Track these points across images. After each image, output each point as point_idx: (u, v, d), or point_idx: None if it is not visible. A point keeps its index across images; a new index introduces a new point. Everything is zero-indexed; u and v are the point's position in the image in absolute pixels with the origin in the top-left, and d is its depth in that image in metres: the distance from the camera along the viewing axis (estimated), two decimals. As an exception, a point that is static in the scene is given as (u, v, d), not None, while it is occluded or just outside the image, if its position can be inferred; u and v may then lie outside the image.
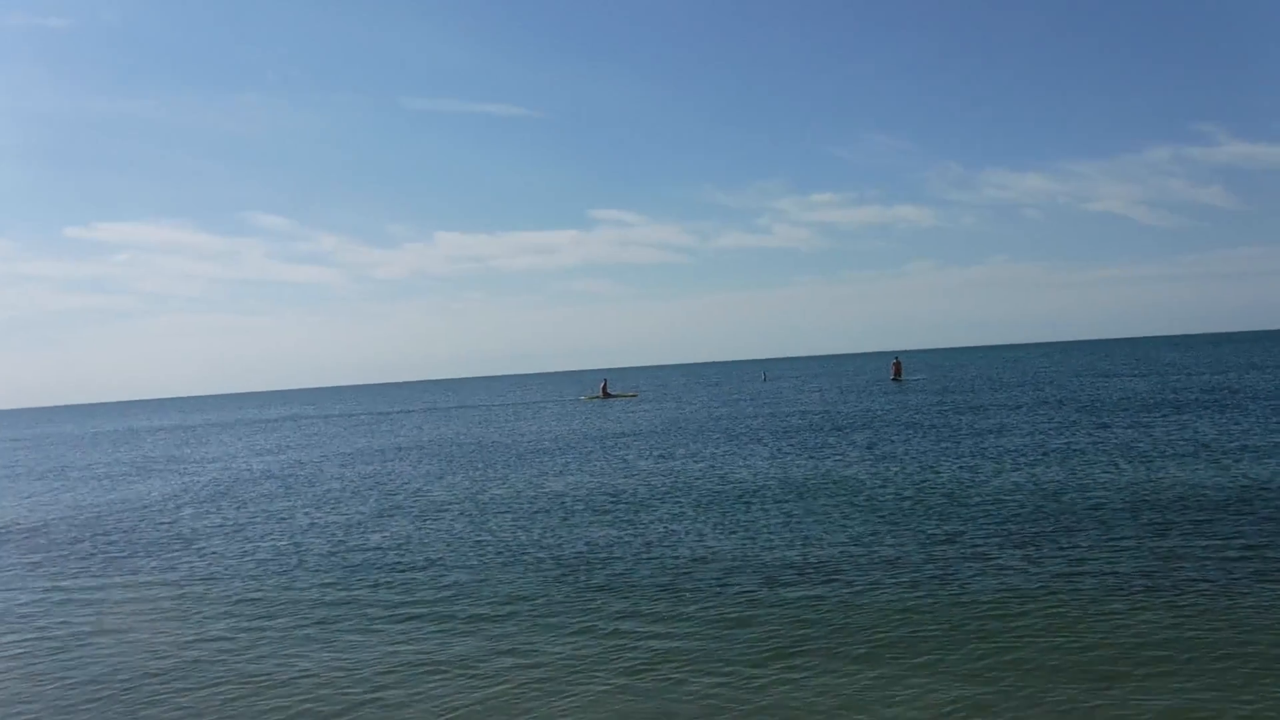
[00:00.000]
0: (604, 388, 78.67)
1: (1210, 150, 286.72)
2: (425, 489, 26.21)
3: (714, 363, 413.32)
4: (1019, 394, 51.42)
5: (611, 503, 21.35)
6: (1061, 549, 14.12)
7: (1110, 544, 14.23)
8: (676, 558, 15.22)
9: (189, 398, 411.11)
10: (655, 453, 31.56)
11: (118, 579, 16.51)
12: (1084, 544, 14.34)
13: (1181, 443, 25.19)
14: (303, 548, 18.33)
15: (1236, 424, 28.80)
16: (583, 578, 14.26)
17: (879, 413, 43.43)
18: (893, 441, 30.08)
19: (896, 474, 22.86)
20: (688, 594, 12.92)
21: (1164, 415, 33.19)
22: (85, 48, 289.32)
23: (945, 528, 16.18)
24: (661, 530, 17.63)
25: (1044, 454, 24.76)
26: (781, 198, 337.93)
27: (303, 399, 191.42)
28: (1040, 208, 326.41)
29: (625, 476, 25.80)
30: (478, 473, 29.35)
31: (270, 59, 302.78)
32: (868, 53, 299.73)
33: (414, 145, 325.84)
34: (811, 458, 27.24)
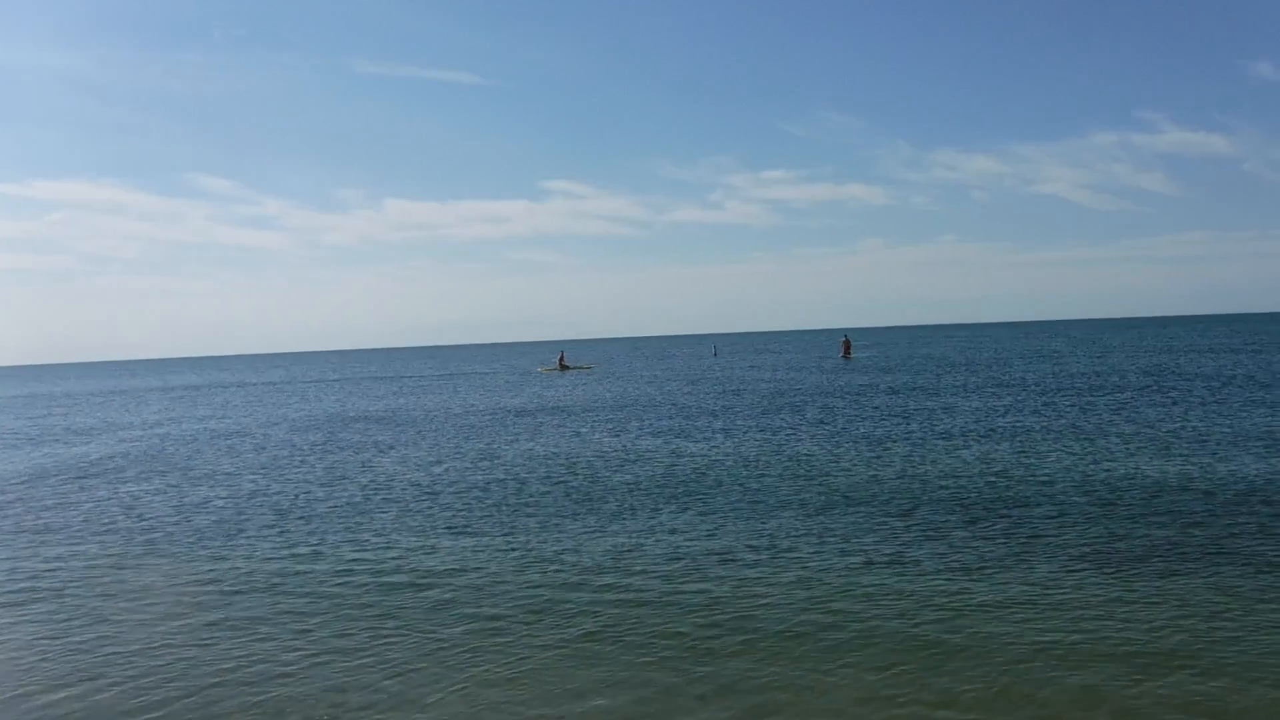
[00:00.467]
0: (561, 360, 78.34)
1: (1153, 137, 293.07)
2: (375, 459, 25.88)
3: (663, 336, 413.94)
4: (967, 374, 52.05)
5: (567, 474, 21.22)
6: (1013, 525, 14.28)
7: (1058, 520, 14.42)
8: (631, 531, 15.15)
9: (128, 361, 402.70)
10: (613, 426, 31.46)
11: (55, 544, 16.05)
12: (1034, 519, 14.52)
13: (1126, 424, 25.63)
14: (246, 514, 17.98)
15: (1178, 405, 29.36)
16: (534, 548, 14.13)
17: (831, 390, 43.71)
18: (844, 419, 30.29)
19: (848, 451, 23.00)
20: (638, 565, 12.85)
21: (1108, 395, 33.77)
22: (23, 1, 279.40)
23: (896, 504, 16.30)
24: (615, 504, 17.55)
25: (991, 431, 25.07)
26: (734, 173, 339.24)
27: (247, 365, 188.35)
28: (988, 189, 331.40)
29: (581, 448, 25.68)
30: (431, 443, 29.06)
31: (216, 17, 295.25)
32: (821, 31, 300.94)
33: (365, 110, 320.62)
34: (764, 432, 27.32)
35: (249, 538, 15.82)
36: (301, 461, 25.68)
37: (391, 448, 27.89)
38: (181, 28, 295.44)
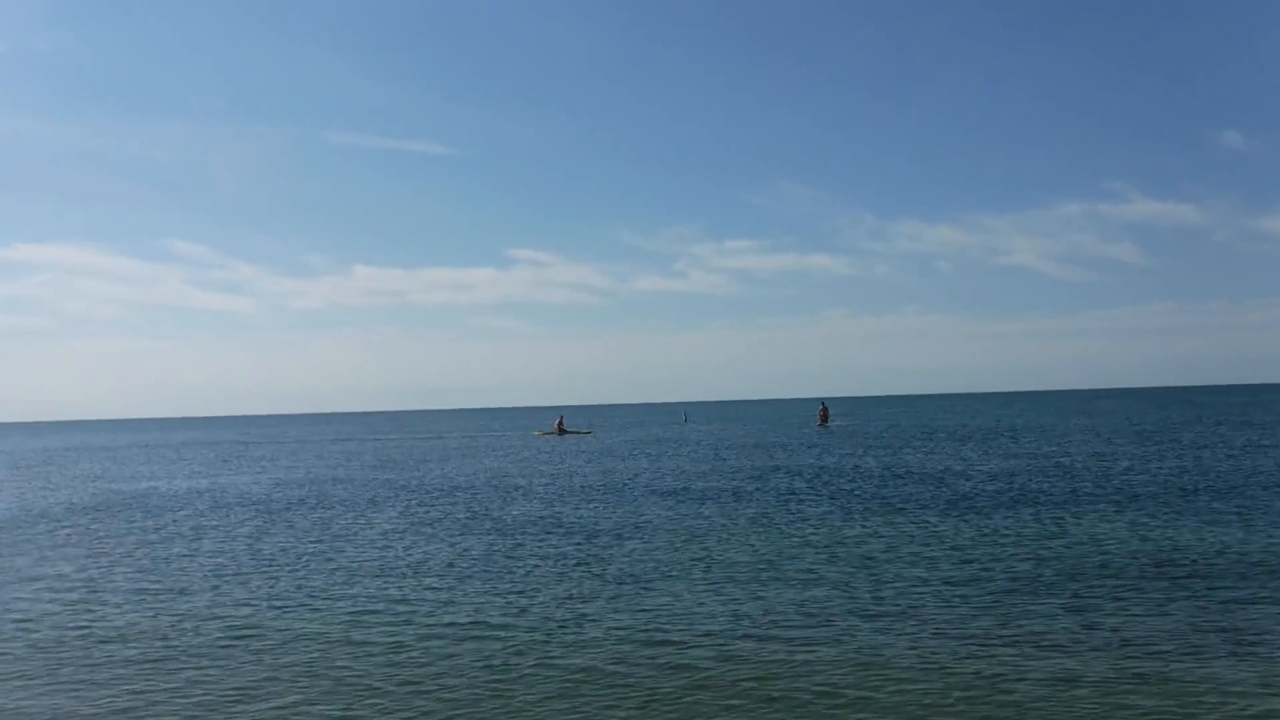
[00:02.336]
0: (559, 424, 77.44)
1: (1121, 207, 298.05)
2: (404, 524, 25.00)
3: (627, 404, 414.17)
4: (956, 444, 51.70)
5: (576, 546, 20.51)
6: (1026, 609, 13.75)
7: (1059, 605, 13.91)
8: (645, 607, 14.48)
9: (104, 420, 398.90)
10: (616, 490, 30.77)
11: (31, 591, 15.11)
12: (1056, 606, 13.98)
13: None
14: (237, 571, 17.11)
15: (1166, 471, 29.03)
16: (529, 615, 13.43)
17: (822, 460, 43.22)
18: (846, 491, 29.84)
19: (870, 520, 22.46)
20: (644, 646, 12.17)
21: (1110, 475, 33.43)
22: (16, 73, 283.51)
23: (907, 581, 15.73)
24: (622, 568, 16.86)
25: (1004, 503, 24.59)
26: (698, 243, 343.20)
27: (219, 425, 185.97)
28: (952, 259, 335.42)
29: (578, 510, 24.95)
30: (452, 507, 28.20)
31: (196, 89, 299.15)
32: (782, 103, 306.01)
33: (335, 179, 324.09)
34: (763, 497, 26.77)
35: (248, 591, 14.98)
36: (296, 523, 24.76)
37: (404, 511, 27.01)
38: (164, 99, 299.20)
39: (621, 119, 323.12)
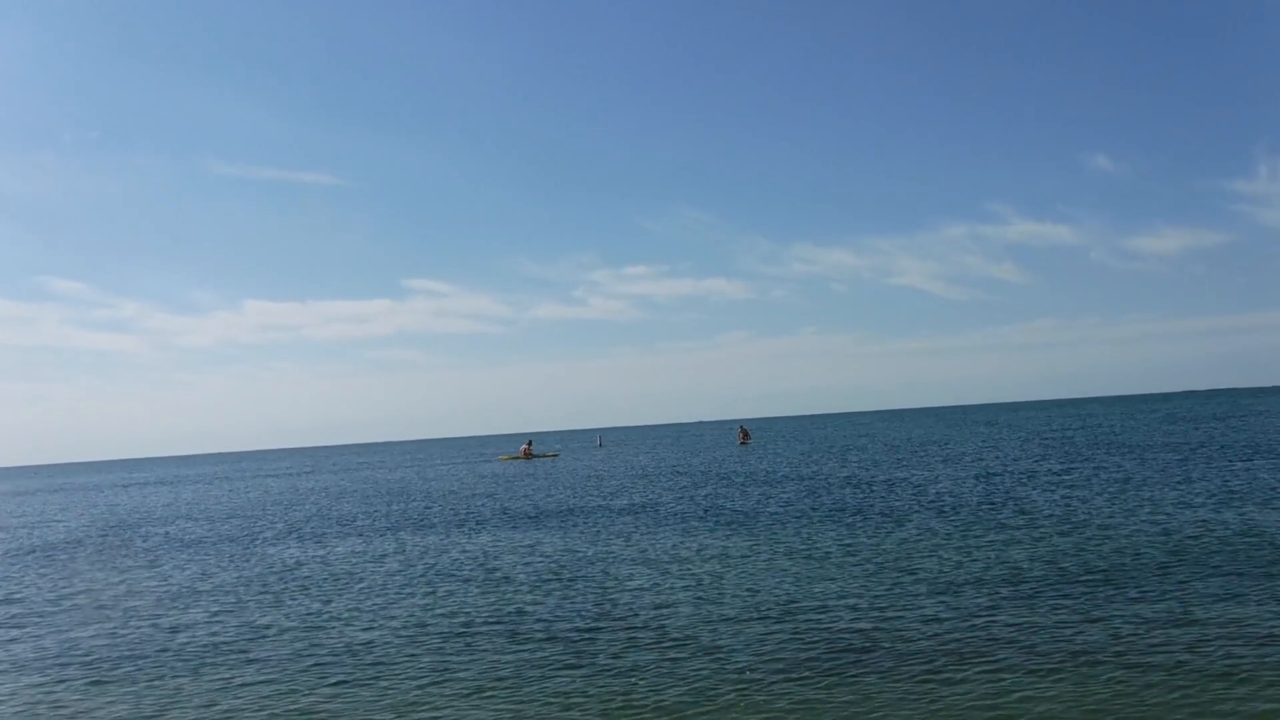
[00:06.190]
0: (527, 449, 77.46)
1: (1002, 228, 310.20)
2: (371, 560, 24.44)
3: (533, 431, 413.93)
4: (878, 459, 52.88)
5: (553, 568, 20.43)
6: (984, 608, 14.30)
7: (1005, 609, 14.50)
8: (634, 624, 14.59)
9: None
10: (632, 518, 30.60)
11: None
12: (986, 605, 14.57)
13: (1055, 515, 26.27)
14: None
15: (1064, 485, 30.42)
16: (482, 643, 13.45)
17: (769, 476, 43.77)
18: (811, 505, 30.29)
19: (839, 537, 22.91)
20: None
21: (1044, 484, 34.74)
22: None
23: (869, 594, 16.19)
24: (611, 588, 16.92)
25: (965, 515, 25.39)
26: (595, 270, 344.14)
27: (107, 469, 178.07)
28: (845, 281, 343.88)
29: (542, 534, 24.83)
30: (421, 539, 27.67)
31: (67, 119, 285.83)
32: (677, 129, 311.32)
33: (222, 211, 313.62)
34: (730, 520, 27.08)
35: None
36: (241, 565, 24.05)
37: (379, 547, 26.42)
38: (31, 131, 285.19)
39: (516, 147, 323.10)
